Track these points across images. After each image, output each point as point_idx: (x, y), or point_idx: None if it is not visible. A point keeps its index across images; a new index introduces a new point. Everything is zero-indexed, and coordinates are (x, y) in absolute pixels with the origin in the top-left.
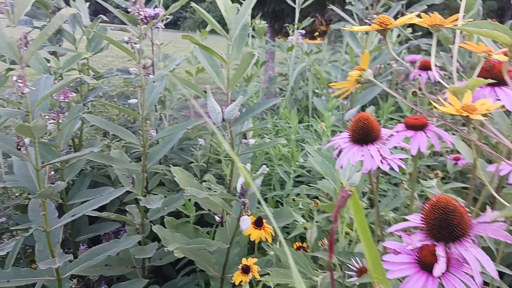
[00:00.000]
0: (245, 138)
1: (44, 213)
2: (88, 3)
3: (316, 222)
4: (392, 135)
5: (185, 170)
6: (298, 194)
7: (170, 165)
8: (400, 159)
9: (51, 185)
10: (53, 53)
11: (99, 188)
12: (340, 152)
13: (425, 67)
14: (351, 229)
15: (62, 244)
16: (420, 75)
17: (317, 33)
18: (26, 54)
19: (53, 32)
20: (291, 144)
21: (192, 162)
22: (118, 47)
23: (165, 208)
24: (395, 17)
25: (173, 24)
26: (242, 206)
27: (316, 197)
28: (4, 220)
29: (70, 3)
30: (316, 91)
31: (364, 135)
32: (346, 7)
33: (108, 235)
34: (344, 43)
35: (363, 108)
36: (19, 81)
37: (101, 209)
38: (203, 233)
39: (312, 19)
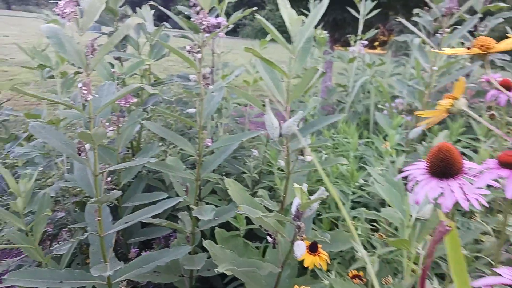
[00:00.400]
0: (302, 154)
1: (99, 218)
2: (153, 11)
3: (378, 256)
4: (480, 171)
5: (237, 180)
6: (355, 217)
7: (223, 174)
8: (481, 194)
9: (107, 193)
10: (117, 58)
11: (154, 192)
12: (414, 184)
13: (506, 86)
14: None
15: (114, 245)
16: (499, 96)
17: (377, 43)
18: (92, 62)
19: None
20: (350, 162)
21: (244, 172)
22: (180, 56)
23: (216, 218)
24: (470, 32)
25: (232, 31)
26: (297, 230)
27: (375, 221)
28: (64, 215)
29: (136, 9)
30: (379, 106)
31: (444, 168)
32: (413, 18)
33: (159, 239)
34: (411, 57)
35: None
36: (84, 88)
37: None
38: (252, 248)
39: (376, 30)
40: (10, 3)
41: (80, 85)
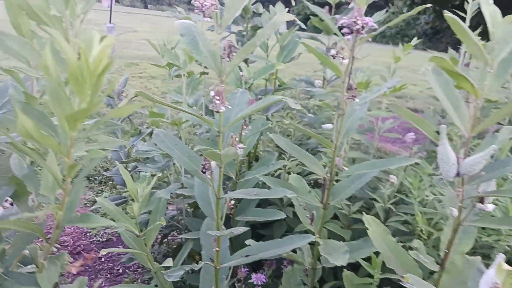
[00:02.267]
0: (481, 202)
1: (218, 249)
2: (287, 9)
3: None
4: None
5: (365, 207)
6: None
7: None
8: None
9: (232, 231)
10: (244, 60)
11: (269, 210)
12: None
13: None
14: None
15: None
16: None
17: None
18: (228, 66)
19: (247, 38)
20: None
21: (374, 199)
22: (323, 61)
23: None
24: None
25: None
26: None
27: None
28: (175, 213)
29: (269, 7)
30: None
31: None
32: None
33: (271, 261)
34: None
35: None
36: (217, 97)
37: (268, 228)
38: None
39: None
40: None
41: (212, 93)
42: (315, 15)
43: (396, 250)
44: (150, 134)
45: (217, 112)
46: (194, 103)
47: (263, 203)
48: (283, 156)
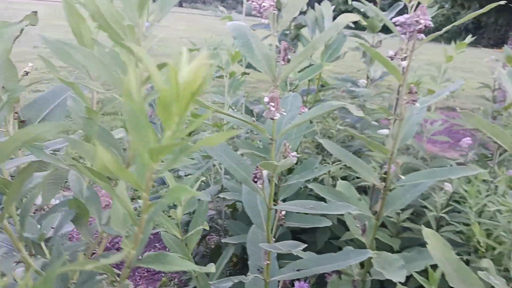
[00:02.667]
0: None
1: (268, 262)
2: (333, 6)
3: None
4: None
5: (414, 215)
6: None
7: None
8: None
9: (290, 248)
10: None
11: (315, 216)
12: None
13: None
14: None
15: None
16: None
17: None
18: (284, 71)
19: (290, 37)
20: None
21: (425, 207)
22: (381, 62)
23: None
24: None
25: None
26: None
27: None
28: (214, 213)
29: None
30: None
31: None
32: None
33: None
34: None
35: None
36: (272, 104)
37: (310, 233)
38: None
39: None
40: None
41: (266, 99)
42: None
43: (459, 268)
44: (189, 134)
45: (271, 119)
46: (234, 104)
47: None
48: (324, 159)
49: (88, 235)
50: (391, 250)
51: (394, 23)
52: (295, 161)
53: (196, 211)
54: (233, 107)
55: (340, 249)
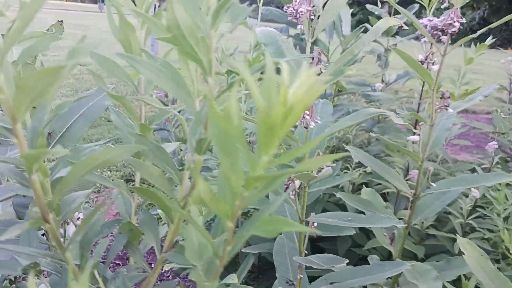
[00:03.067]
0: None
1: (301, 276)
2: (351, 10)
3: None
4: None
5: (438, 222)
6: None
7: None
8: None
9: (320, 264)
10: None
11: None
12: None
13: None
14: None
15: None
16: None
17: None
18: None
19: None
20: None
21: (449, 213)
22: (412, 66)
23: None
24: None
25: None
26: None
27: None
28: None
29: None
30: None
31: None
32: None
33: None
34: None
35: None
36: (306, 112)
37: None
38: None
39: None
40: None
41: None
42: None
43: (496, 278)
44: None
45: (305, 128)
46: (249, 110)
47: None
48: (344, 165)
49: (143, 262)
50: (415, 258)
51: (434, 26)
52: (331, 172)
53: (215, 223)
54: (248, 113)
55: (362, 258)
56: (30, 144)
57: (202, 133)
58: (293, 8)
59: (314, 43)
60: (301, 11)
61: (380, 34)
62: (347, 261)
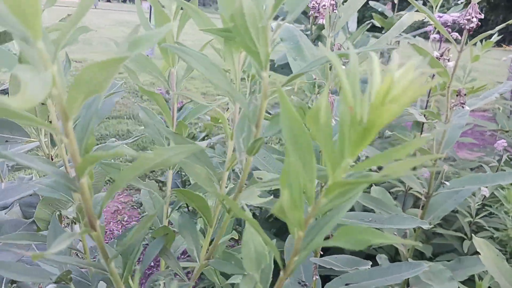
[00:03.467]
0: None
1: (317, 276)
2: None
3: None
4: None
5: (445, 221)
6: None
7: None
8: None
9: (340, 266)
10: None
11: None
12: None
13: None
14: None
15: None
16: None
17: None
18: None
19: (311, 38)
20: None
21: (456, 211)
22: (434, 65)
23: None
24: None
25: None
26: None
27: None
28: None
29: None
30: None
31: None
32: None
33: None
34: None
35: None
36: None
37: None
38: None
39: None
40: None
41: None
42: (382, 14)
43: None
44: (203, 138)
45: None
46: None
47: None
48: None
49: (179, 268)
50: (422, 257)
51: (452, 22)
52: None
53: (223, 224)
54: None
55: (368, 256)
56: (79, 144)
57: (253, 132)
58: (316, 1)
59: (318, 38)
60: (324, 5)
61: (401, 30)
62: (370, 263)
